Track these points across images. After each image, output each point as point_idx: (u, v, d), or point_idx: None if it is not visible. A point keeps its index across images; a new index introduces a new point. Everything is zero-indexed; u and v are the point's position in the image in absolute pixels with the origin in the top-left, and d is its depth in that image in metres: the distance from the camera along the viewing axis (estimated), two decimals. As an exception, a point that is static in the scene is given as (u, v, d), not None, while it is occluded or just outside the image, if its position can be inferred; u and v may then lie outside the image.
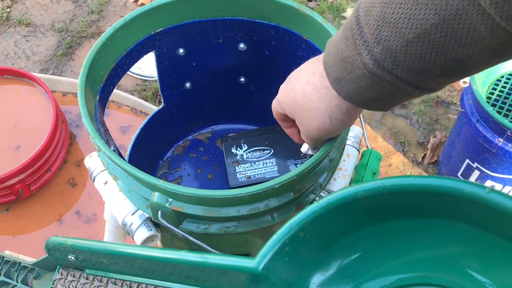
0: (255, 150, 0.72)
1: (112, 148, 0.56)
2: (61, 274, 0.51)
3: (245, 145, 0.73)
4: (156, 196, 0.47)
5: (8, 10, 1.75)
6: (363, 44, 0.35)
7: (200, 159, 0.79)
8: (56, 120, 0.98)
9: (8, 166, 0.93)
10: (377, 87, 0.36)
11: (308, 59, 0.45)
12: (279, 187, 0.46)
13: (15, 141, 1.00)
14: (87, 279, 0.49)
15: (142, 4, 1.51)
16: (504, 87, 1.10)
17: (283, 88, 0.46)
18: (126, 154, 0.71)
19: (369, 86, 0.36)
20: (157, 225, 0.57)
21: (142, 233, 0.56)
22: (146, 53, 0.64)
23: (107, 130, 0.59)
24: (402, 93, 0.36)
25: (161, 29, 0.63)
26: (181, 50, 0.68)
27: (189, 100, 0.77)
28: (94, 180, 0.63)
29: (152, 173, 0.77)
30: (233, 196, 0.46)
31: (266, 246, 0.37)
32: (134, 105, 1.11)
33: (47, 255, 0.50)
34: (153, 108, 1.07)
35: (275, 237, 0.37)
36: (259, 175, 0.70)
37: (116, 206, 0.59)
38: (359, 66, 0.36)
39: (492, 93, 1.10)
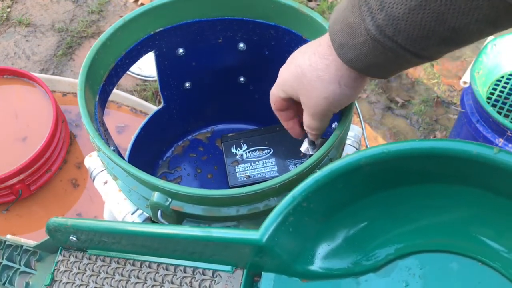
0: (255, 150, 0.72)
1: (112, 148, 0.56)
2: (64, 256, 0.51)
3: (244, 144, 0.73)
4: (156, 196, 0.47)
5: (8, 10, 1.75)
6: (367, 11, 0.36)
7: (199, 159, 0.79)
8: (56, 120, 0.98)
9: (7, 166, 0.93)
10: (378, 54, 0.37)
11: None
12: (278, 187, 0.46)
13: (15, 141, 1.00)
14: (89, 259, 0.49)
15: (142, 4, 1.51)
16: (505, 88, 1.10)
17: (284, 69, 0.47)
18: (126, 154, 0.71)
19: (371, 52, 0.38)
20: (156, 225, 0.57)
21: (142, 233, 0.56)
22: (145, 53, 0.64)
23: (107, 130, 0.59)
24: (401, 60, 0.37)
25: (161, 29, 0.63)
26: (180, 50, 0.68)
27: (188, 100, 0.77)
28: (94, 180, 0.63)
29: (152, 173, 0.77)
30: (232, 195, 0.46)
31: (269, 217, 0.36)
32: (134, 105, 1.11)
33: (48, 237, 0.50)
34: (153, 108, 1.06)
35: (277, 209, 0.36)
36: (259, 175, 0.70)
37: (116, 206, 0.59)
38: (362, 32, 0.37)
39: (492, 94, 1.10)
